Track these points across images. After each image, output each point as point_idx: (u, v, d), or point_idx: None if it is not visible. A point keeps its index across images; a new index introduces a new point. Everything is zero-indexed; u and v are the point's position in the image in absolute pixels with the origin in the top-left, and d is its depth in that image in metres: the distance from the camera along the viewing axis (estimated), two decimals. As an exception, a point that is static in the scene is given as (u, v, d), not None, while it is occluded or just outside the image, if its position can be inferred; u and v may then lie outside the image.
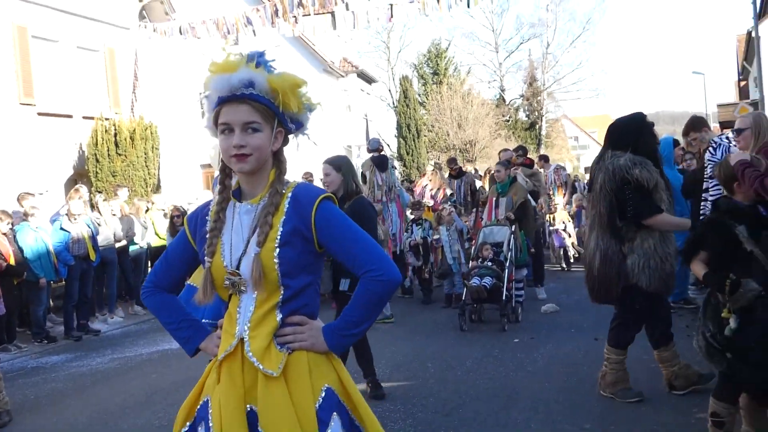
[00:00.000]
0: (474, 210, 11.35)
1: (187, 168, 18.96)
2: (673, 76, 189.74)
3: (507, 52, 47.11)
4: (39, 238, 9.67)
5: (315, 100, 2.46)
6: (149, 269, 11.58)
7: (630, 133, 5.27)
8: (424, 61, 43.62)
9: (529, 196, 10.13)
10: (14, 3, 14.43)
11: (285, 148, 2.44)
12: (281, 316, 2.26)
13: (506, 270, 8.64)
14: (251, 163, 2.27)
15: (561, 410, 5.34)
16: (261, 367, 2.21)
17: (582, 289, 10.91)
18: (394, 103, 41.41)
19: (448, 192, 12.36)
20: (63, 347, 9.49)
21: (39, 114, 14.93)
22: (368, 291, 2.27)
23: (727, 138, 6.12)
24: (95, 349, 9.11)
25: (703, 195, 6.28)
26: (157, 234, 12.28)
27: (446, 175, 12.49)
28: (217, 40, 18.99)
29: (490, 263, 8.76)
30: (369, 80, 37.28)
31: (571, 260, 13.18)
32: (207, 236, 2.36)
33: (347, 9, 15.77)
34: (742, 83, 37.01)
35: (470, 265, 9.11)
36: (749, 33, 27.32)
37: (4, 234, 9.20)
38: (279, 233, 2.25)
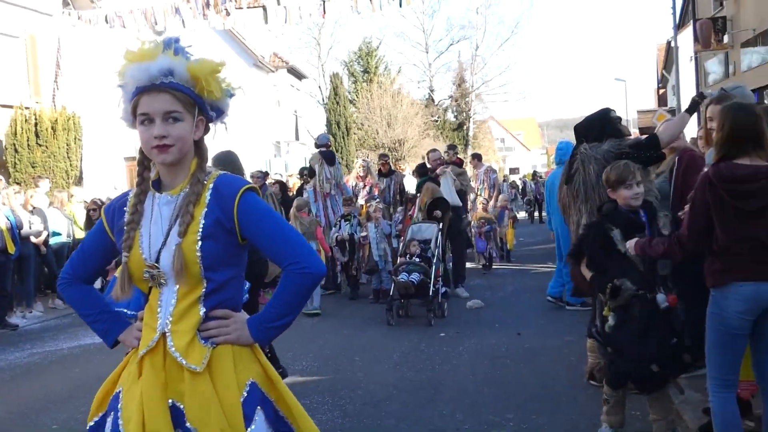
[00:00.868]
0: (402, 207, 11.47)
1: (110, 160, 18.55)
2: (597, 82, 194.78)
3: (437, 53, 47.58)
4: (-46, 229, 9.34)
5: (234, 84, 2.43)
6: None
7: (595, 128, 5.46)
8: (354, 58, 43.68)
9: (457, 196, 10.34)
10: (-71, -16, 13.86)
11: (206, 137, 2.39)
12: (204, 309, 2.22)
13: (433, 266, 8.78)
14: (173, 153, 2.23)
15: (485, 401, 5.48)
16: (185, 362, 2.16)
17: (506, 286, 11.23)
18: (324, 100, 41.31)
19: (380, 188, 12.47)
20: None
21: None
22: (291, 284, 2.24)
23: None
24: (13, 343, 8.83)
25: None
26: (78, 226, 11.98)
27: (375, 171, 12.57)
28: (145, 31, 18.65)
29: (417, 259, 8.89)
30: (299, 76, 37.15)
31: (495, 260, 13.48)
32: (124, 229, 2.28)
33: (279, 4, 15.69)
34: (661, 91, 38.41)
35: (398, 261, 9.22)
36: (668, 43, 28.41)
37: None
38: (201, 226, 2.21)
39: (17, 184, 13.79)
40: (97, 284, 5.78)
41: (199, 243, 2.19)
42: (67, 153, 15.10)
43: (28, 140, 14.69)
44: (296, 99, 36.45)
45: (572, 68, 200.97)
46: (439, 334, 7.94)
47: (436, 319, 8.58)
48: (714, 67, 22.24)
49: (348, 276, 10.81)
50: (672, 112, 23.92)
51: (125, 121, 2.32)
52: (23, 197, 11.16)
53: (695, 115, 5.63)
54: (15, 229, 10.11)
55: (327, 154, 11.60)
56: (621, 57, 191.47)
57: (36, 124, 14.85)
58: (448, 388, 5.91)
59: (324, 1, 14.64)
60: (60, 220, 11.58)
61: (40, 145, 14.77)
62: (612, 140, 5.31)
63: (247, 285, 4.81)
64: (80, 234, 11.84)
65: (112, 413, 2.24)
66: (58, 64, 17.31)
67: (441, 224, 9.26)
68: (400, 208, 11.44)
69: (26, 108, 15.15)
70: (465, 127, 45.13)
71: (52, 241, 11.27)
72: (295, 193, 13.20)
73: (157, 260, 2.22)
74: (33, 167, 14.56)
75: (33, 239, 10.59)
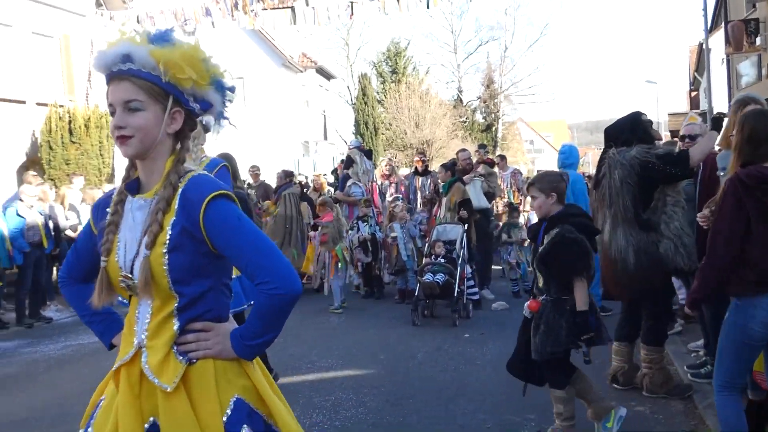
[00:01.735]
0: (425, 208, 11.51)
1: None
2: (628, 84, 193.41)
3: (465, 54, 47.54)
4: (-9, 224, 9.57)
5: (229, 73, 2.24)
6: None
7: (624, 132, 5.46)
8: (383, 59, 43.79)
9: (484, 199, 10.37)
10: (-31, -15, 14.18)
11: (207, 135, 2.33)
12: (179, 324, 2.07)
13: (458, 267, 8.83)
14: (133, 146, 2.05)
15: (507, 402, 5.52)
16: (156, 381, 2.02)
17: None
18: (352, 100, 41.50)
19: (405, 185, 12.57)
20: (15, 333, 9.41)
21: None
22: (264, 305, 2.06)
23: None
24: (48, 336, 9.05)
25: None
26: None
27: (411, 170, 12.69)
28: (176, 31, 18.84)
29: (442, 260, 8.94)
30: (328, 76, 37.32)
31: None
32: (104, 230, 2.15)
33: (307, 4, 15.81)
34: (693, 93, 37.96)
35: (423, 261, 9.28)
36: (701, 45, 28.09)
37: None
38: (168, 236, 2.04)
39: (51, 180, 14.07)
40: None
41: (166, 256, 2.03)
42: (100, 150, 15.34)
43: (62, 138, 14.97)
44: (325, 99, 36.63)
45: (603, 70, 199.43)
46: (464, 335, 7.99)
47: (461, 320, 8.63)
48: (746, 69, 21.97)
49: (372, 276, 10.88)
50: (703, 115, 23.70)
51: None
52: (59, 194, 11.43)
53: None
54: (48, 225, 10.34)
55: (365, 150, 12.36)
56: (652, 59, 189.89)
57: (70, 122, 15.12)
58: (471, 388, 5.96)
59: (352, 2, 14.73)
60: (92, 216, 11.81)
61: (73, 143, 15.04)
62: (641, 146, 5.30)
63: None
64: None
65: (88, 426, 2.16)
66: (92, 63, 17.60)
67: (466, 225, 9.31)
68: (420, 209, 11.47)
69: (60, 106, 15.43)
70: (494, 129, 45.05)
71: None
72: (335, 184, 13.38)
73: (132, 270, 2.08)
74: (67, 164, 14.82)
75: (70, 233, 10.81)
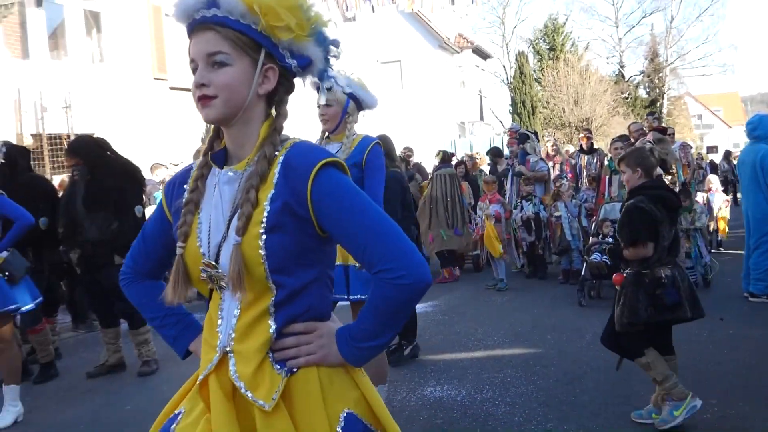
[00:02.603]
0: (588, 187, 11.21)
1: (306, 142, 19.54)
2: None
3: (627, 27, 45.67)
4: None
5: (325, 19, 1.79)
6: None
7: None
8: (540, 36, 42.84)
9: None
10: (150, -17, 15.22)
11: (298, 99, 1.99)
12: (276, 325, 1.68)
13: (627, 247, 8.55)
14: (217, 107, 1.68)
15: (685, 384, 5.26)
16: (250, 396, 1.66)
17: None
18: (508, 79, 40.98)
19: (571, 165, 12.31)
20: (198, 307, 10.09)
21: (171, 88, 15.79)
22: (383, 297, 1.67)
23: None
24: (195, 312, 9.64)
25: None
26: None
27: (577, 149, 12.40)
28: (336, 17, 19.37)
29: (611, 240, 8.70)
30: (484, 56, 37.04)
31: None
32: (182, 211, 1.78)
33: (464, -17, 15.79)
34: None
35: (590, 241, 9.08)
36: None
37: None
38: (265, 214, 1.66)
39: (225, 164, 14.93)
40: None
41: (263, 238, 1.64)
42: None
43: (234, 124, 15.82)
44: (481, 79, 36.41)
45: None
46: (633, 316, 7.75)
47: (630, 300, 8.37)
48: None
49: (535, 256, 10.76)
50: None
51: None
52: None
53: None
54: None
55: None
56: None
57: (241, 109, 15.95)
58: (642, 369, 5.78)
59: (511, -21, 14.57)
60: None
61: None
62: None
63: None
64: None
65: None
66: (259, 51, 18.43)
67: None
68: (584, 187, 11.19)
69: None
70: (658, 104, 43.02)
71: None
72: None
73: (217, 257, 1.71)
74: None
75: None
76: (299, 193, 1.66)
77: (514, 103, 35.37)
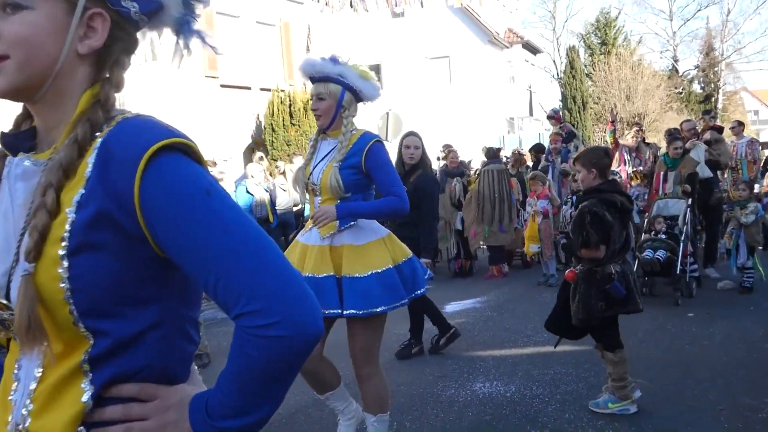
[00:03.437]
0: (640, 183, 10.97)
1: (354, 138, 19.61)
2: None
3: (682, 20, 44.77)
4: (227, 201, 10.42)
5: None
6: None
7: None
8: (591, 30, 42.22)
9: (707, 168, 9.70)
10: (202, -18, 15.46)
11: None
12: (92, 389, 1.13)
13: (681, 244, 8.38)
14: (8, 74, 1.13)
15: (740, 384, 5.21)
16: None
17: (765, 268, 10.35)
18: (558, 75, 40.48)
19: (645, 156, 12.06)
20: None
21: (221, 86, 15.99)
22: (244, 357, 1.11)
23: None
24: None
25: None
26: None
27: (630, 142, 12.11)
28: (386, 13, 19.42)
29: (663, 236, 8.54)
30: (534, 51, 36.67)
31: None
32: None
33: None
34: None
35: (642, 237, 8.91)
36: None
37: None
38: (68, 227, 1.10)
39: (274, 160, 15.05)
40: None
41: (65, 263, 1.09)
42: (317, 132, 16.19)
43: (283, 120, 15.96)
44: (530, 74, 36.05)
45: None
46: (687, 314, 7.60)
47: (683, 298, 8.21)
48: None
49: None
50: None
51: None
52: (280, 173, 12.24)
53: None
54: (273, 201, 11.11)
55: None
56: None
57: (290, 105, 16.08)
58: (698, 368, 5.68)
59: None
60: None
61: (293, 125, 15.99)
62: None
63: None
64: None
65: None
66: (308, 48, 18.57)
67: (690, 200, 8.79)
68: (636, 183, 10.96)
69: (281, 90, 16.44)
70: (713, 99, 42.03)
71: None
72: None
73: (8, 293, 1.14)
74: (287, 145, 15.80)
75: (294, 209, 11.59)
76: (122, 194, 1.09)
77: (564, 99, 34.87)
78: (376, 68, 29.43)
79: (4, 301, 1.14)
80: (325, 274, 3.52)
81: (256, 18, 17.08)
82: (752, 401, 4.84)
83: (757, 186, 11.46)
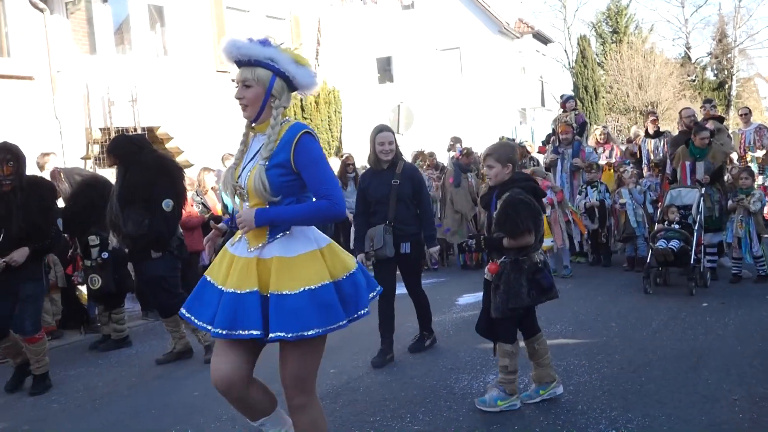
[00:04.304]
0: (651, 173, 10.90)
1: (365, 131, 19.62)
2: None
3: (694, 7, 44.63)
4: (241, 195, 10.42)
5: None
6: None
7: None
8: (602, 19, 42.02)
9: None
10: (212, -23, 15.46)
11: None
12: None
13: (695, 233, 8.35)
14: None
15: (755, 374, 5.19)
16: None
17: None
18: (570, 64, 40.29)
19: (622, 149, 12.01)
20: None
21: (233, 81, 15.99)
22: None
23: None
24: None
25: None
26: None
27: (642, 134, 12.02)
28: (395, 5, 19.40)
29: (677, 226, 8.51)
30: (545, 41, 36.49)
31: None
32: None
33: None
34: None
35: (656, 227, 8.88)
36: None
37: (213, 189, 10.00)
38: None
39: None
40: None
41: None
42: (329, 125, 16.22)
43: (294, 114, 15.99)
44: (542, 64, 35.88)
45: None
46: (702, 304, 7.58)
47: (698, 288, 8.18)
48: None
49: (598, 244, 10.58)
50: None
51: None
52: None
53: None
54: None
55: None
56: None
57: (301, 99, 16.10)
58: (712, 358, 5.66)
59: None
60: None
61: (305, 118, 16.02)
62: None
63: None
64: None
65: None
66: (318, 41, 18.56)
67: (703, 189, 8.75)
68: (648, 173, 10.91)
69: (293, 84, 16.47)
70: (727, 86, 41.72)
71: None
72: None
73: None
74: (299, 139, 15.84)
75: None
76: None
77: (576, 88, 34.70)
78: (387, 61, 29.43)
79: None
80: (248, 290, 3.10)
81: (266, 12, 17.09)
82: (767, 390, 4.82)
83: (761, 177, 11.29)
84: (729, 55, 42.00)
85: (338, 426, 4.67)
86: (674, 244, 8.20)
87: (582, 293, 8.60)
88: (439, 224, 10.16)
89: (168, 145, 14.72)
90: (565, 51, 43.72)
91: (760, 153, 11.56)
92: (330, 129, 16.24)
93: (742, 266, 8.71)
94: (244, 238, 3.25)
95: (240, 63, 3.23)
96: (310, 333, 3.04)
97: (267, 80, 3.21)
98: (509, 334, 4.80)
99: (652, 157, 11.17)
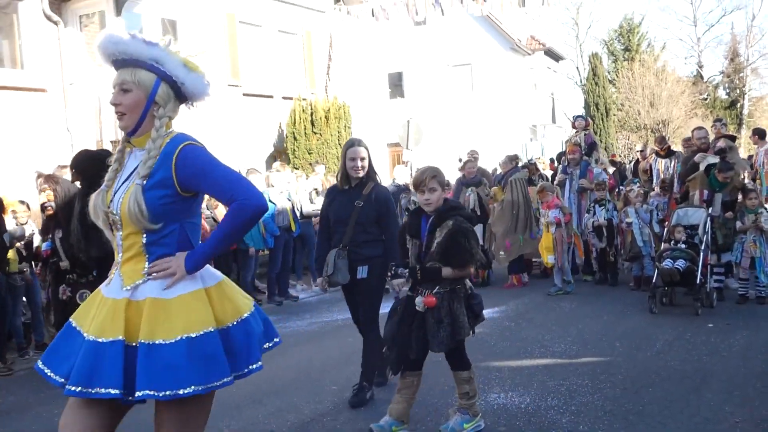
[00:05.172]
0: (658, 192, 10.90)
1: (375, 146, 19.66)
2: None
3: (706, 26, 44.86)
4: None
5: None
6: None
7: None
8: (615, 37, 42.12)
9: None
10: (225, -9, 15.61)
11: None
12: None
13: (701, 253, 8.33)
14: None
15: (759, 395, 5.18)
16: None
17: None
18: (581, 81, 40.32)
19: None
20: (266, 310, 10.20)
21: (244, 94, 16.11)
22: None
23: None
24: (295, 313, 9.80)
25: None
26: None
27: (653, 155, 12.05)
28: (407, 21, 19.51)
29: (683, 246, 8.49)
30: (556, 58, 36.52)
31: None
32: None
33: (537, -15, 15.66)
34: None
35: (662, 247, 8.87)
36: None
37: None
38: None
39: (296, 169, 15.14)
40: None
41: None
42: (338, 140, 16.24)
43: (305, 129, 16.05)
44: (553, 81, 35.90)
45: None
46: (707, 325, 7.54)
47: (704, 308, 8.15)
48: None
49: (606, 262, 10.55)
50: None
51: None
52: (309, 181, 12.31)
53: None
54: (295, 210, 11.16)
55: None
56: None
57: (312, 114, 16.16)
58: (716, 379, 5.65)
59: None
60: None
61: (315, 133, 16.06)
62: None
63: None
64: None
65: None
66: (330, 56, 18.67)
67: (711, 209, 8.73)
68: (654, 193, 10.90)
69: (303, 99, 16.53)
70: (739, 105, 41.65)
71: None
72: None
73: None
74: (309, 153, 15.88)
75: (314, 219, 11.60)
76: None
77: (587, 106, 34.69)
78: (398, 76, 29.54)
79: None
80: (111, 338, 2.57)
81: (278, 27, 17.19)
82: (769, 413, 4.81)
83: None
84: (741, 74, 41.96)
85: (339, 442, 4.68)
86: (680, 263, 8.18)
87: (588, 311, 8.59)
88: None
89: (178, 158, 14.81)
90: (577, 68, 43.86)
91: None
92: (340, 144, 16.25)
93: (749, 287, 8.67)
94: (118, 275, 2.72)
95: (117, 63, 2.80)
96: (186, 391, 2.52)
97: (150, 85, 2.75)
98: (464, 361, 4.66)
99: (662, 176, 11.17)
